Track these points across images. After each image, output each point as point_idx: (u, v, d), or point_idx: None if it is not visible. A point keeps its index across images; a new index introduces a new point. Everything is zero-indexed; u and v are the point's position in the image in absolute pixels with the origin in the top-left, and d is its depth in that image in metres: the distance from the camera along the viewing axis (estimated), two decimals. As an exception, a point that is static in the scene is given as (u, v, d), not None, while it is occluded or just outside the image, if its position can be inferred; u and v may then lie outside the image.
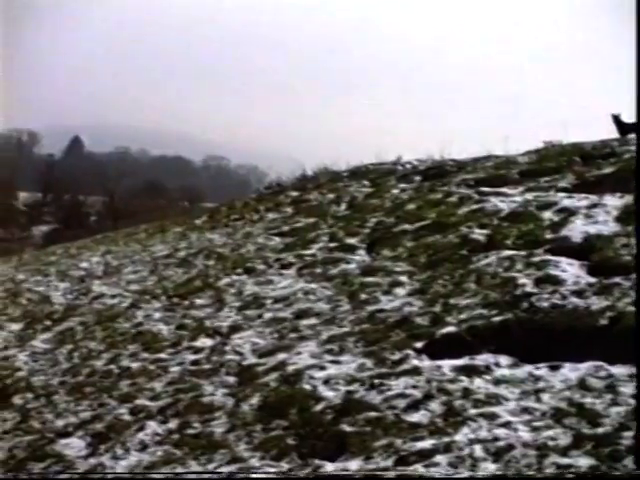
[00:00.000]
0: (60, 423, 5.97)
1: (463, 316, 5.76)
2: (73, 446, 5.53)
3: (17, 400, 6.65)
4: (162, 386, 6.18)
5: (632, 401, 4.03)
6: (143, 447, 5.24)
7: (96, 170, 75.12)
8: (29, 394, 6.73)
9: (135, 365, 6.82)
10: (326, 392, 5.11)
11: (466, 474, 3.76)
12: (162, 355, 6.91)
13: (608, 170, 8.91)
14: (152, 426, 5.50)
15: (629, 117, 12.09)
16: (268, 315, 7.11)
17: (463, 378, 4.81)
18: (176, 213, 29.18)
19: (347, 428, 4.59)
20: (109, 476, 5.01)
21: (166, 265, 10.79)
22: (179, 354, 6.82)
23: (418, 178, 12.05)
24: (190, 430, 5.29)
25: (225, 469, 4.63)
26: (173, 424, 5.45)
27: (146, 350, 7.17)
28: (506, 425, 4.14)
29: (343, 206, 11.29)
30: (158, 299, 8.92)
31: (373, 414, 4.66)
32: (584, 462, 3.65)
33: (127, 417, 5.76)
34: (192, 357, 6.65)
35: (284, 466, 4.50)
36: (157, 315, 8.25)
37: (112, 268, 11.81)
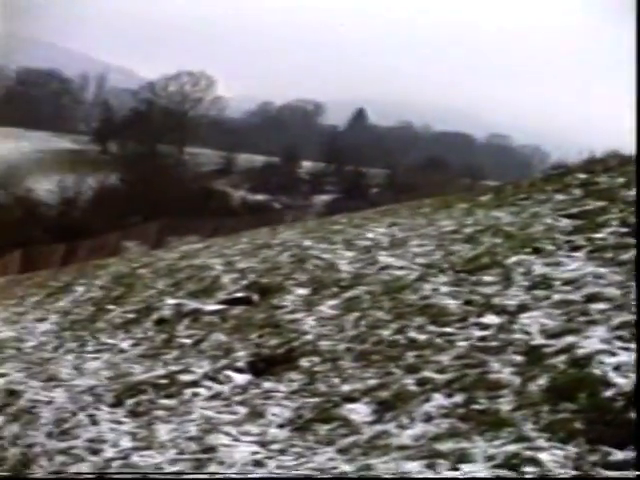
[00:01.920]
0: (346, 388, 7.89)
1: None
2: (359, 411, 7.35)
3: (304, 363, 8.82)
4: (448, 360, 7.73)
5: None
6: (428, 418, 6.81)
7: (378, 143, 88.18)
8: (315, 358, 8.86)
9: (422, 337, 8.51)
10: (617, 379, 6.17)
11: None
12: (449, 329, 8.55)
13: None
14: (438, 398, 7.07)
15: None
16: (557, 297, 8.52)
17: None
18: (457, 189, 32.25)
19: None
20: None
21: (452, 240, 12.78)
22: (466, 329, 8.43)
23: None
24: (476, 405, 6.73)
25: (510, 447, 5.89)
26: (459, 398, 6.93)
27: (433, 323, 8.88)
28: None
29: (634, 190, 12.20)
30: (445, 273, 10.79)
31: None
32: None
33: (413, 387, 7.42)
34: (479, 333, 8.19)
35: (571, 450, 5.61)
36: (444, 289, 10.05)
37: (398, 240, 14.10)
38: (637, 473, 4.58)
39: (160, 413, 8.28)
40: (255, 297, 12.60)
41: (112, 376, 10.01)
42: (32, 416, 8.92)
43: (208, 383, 8.94)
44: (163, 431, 7.76)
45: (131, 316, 13.26)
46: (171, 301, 13.51)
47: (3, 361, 11.85)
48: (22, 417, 8.94)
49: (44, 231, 48.47)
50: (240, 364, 9.36)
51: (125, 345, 11.59)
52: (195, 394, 8.67)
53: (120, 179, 75.97)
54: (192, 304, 13.01)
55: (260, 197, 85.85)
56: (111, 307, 14.27)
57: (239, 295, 12.88)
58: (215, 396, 8.54)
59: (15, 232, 44.87)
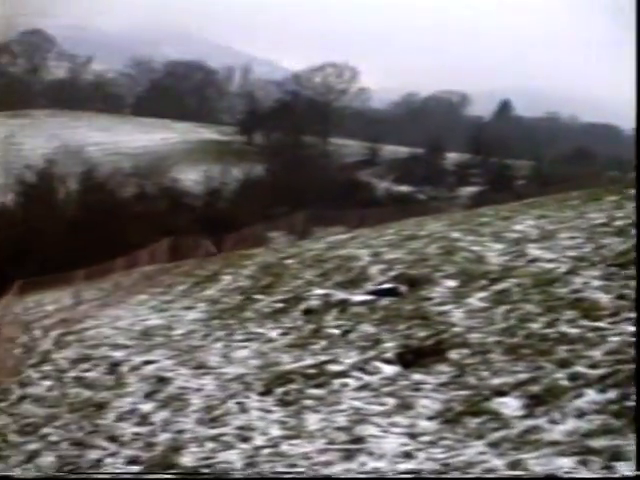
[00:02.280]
0: (496, 381, 8.00)
1: None
2: (509, 405, 7.46)
3: (453, 355, 8.98)
4: (601, 355, 7.70)
5: None
6: (581, 414, 6.82)
7: (524, 135, 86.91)
8: (465, 350, 9.00)
9: (573, 331, 8.51)
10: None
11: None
12: (601, 324, 8.58)
13: None
14: (590, 394, 7.03)
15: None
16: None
17: None
18: (605, 182, 31.33)
19: None
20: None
21: (603, 233, 12.85)
22: (618, 324, 8.41)
23: None
24: (630, 402, 6.71)
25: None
26: (612, 394, 6.90)
27: (584, 317, 8.94)
28: None
29: None
30: (596, 267, 10.84)
31: None
32: None
33: (564, 382, 7.44)
34: (632, 328, 8.12)
35: None
36: (595, 283, 10.12)
37: (547, 232, 14.21)
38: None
39: (309, 402, 8.68)
40: (403, 288, 12.85)
41: (261, 365, 10.52)
42: (182, 403, 9.50)
43: (357, 374, 9.26)
44: (312, 421, 8.14)
45: (279, 306, 13.82)
46: (319, 291, 14.01)
47: (152, 348, 12.63)
48: (172, 403, 9.55)
49: (191, 221, 50.52)
50: (389, 355, 9.63)
51: (274, 334, 12.12)
52: (344, 384, 9.00)
53: (265, 170, 78.04)
54: (340, 294, 13.45)
55: (404, 188, 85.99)
56: (259, 296, 14.89)
57: (387, 286, 13.18)
58: (364, 387, 8.84)
59: (162, 222, 47.13)
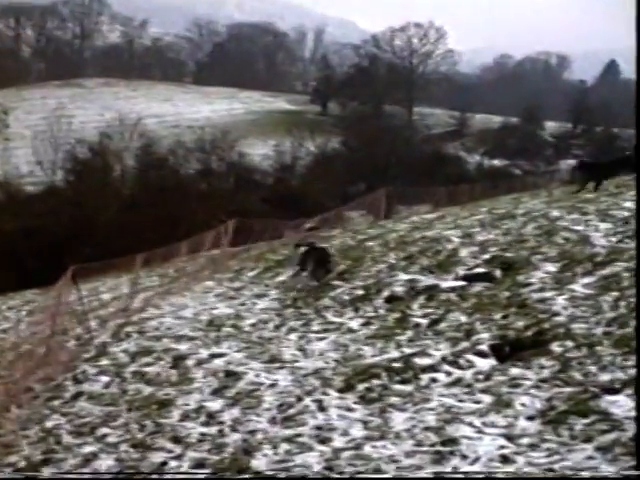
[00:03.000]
0: (605, 377, 7.88)
1: None
2: (621, 404, 7.31)
3: (555, 347, 8.87)
4: None
5: None
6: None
7: (633, 99, 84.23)
8: (569, 342, 8.89)
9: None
10: None
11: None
12: None
13: None
14: None
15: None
16: None
17: None
18: None
19: None
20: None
21: None
22: None
23: None
24: None
25: None
26: None
27: None
28: None
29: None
30: None
31: None
32: None
33: (684, 378, 7.22)
34: None
35: None
36: None
37: None
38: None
39: (394, 400, 8.66)
40: (498, 273, 12.73)
41: (340, 358, 10.54)
42: (254, 400, 9.51)
43: (447, 368, 9.23)
44: (398, 420, 8.12)
45: (360, 293, 13.83)
46: (404, 277, 13.97)
47: (221, 340, 12.73)
48: (243, 400, 9.56)
49: (260, 200, 50.95)
50: (483, 347, 9.56)
51: (354, 324, 12.13)
52: (433, 380, 8.98)
53: (342, 143, 78.12)
54: (427, 280, 13.41)
55: (497, 162, 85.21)
56: (337, 283, 14.91)
57: (480, 271, 13.08)
58: (455, 382, 8.80)
59: (229, 201, 47.64)
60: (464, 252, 14.60)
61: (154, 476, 7.80)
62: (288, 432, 8.34)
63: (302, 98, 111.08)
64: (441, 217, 19.97)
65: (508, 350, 9.37)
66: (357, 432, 8.03)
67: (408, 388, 8.90)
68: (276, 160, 72.48)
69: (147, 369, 11.52)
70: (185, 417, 9.30)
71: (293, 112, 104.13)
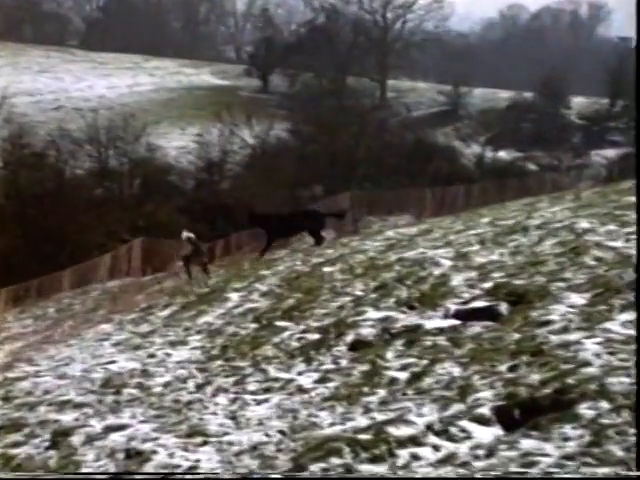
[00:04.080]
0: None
1: None
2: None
3: (585, 410, 8.86)
4: None
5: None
6: None
7: None
8: (603, 403, 8.86)
9: None
10: None
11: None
12: None
13: None
14: None
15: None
16: None
17: None
18: None
19: None
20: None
21: None
22: None
23: None
24: None
25: None
26: None
27: None
28: None
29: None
30: None
31: None
32: None
33: None
34: None
35: None
36: None
37: None
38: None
39: (363, 488, 8.65)
40: (504, 308, 12.78)
41: (287, 429, 10.52)
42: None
43: (434, 440, 9.22)
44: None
45: (314, 337, 13.85)
46: (374, 314, 14.01)
47: (121, 406, 12.71)
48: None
49: (177, 211, 50.84)
50: (483, 411, 9.56)
51: (306, 381, 12.11)
52: (414, 456, 8.97)
53: (290, 131, 78.24)
54: (406, 319, 13.44)
55: (505, 154, 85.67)
56: (283, 324, 14.94)
57: (479, 305, 13.12)
58: (445, 460, 8.79)
59: (134, 214, 47.45)
60: (457, 279, 14.67)
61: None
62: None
63: (234, 69, 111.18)
64: (426, 231, 20.05)
65: (518, 414, 9.38)
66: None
67: (380, 469, 8.89)
68: (199, 155, 72.31)
69: (14, 451, 11.42)
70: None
71: (222, 88, 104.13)
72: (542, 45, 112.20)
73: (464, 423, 9.42)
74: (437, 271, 15.37)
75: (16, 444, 11.61)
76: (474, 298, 13.52)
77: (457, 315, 12.98)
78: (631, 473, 6.12)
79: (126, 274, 24.30)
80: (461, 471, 8.51)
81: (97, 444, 11.04)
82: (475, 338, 11.93)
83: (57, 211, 45.83)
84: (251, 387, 12.44)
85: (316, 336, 13.84)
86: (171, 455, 10.29)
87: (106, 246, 27.60)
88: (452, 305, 13.52)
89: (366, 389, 11.20)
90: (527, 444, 8.70)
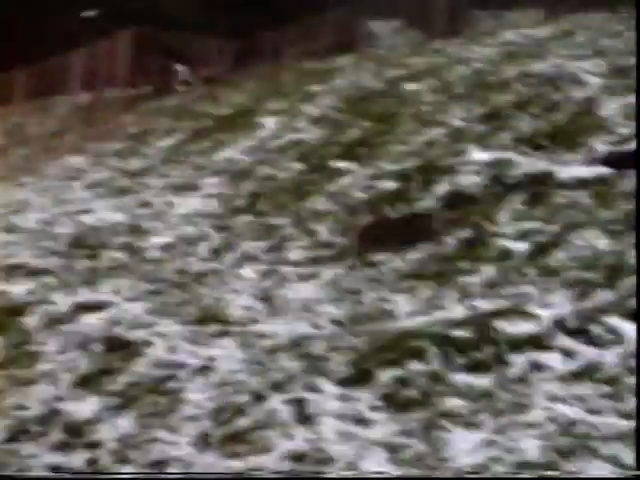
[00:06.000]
0: None
1: None
2: None
3: None
4: None
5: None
6: None
7: None
8: None
9: None
10: None
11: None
12: None
13: None
14: None
15: None
16: None
17: None
18: None
19: None
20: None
21: None
22: None
23: None
24: None
25: None
26: None
27: None
28: None
29: None
30: None
31: None
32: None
33: None
34: None
35: None
36: None
37: None
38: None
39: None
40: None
41: (346, 319, 10.67)
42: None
43: (566, 343, 9.22)
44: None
45: (389, 186, 13.97)
46: (480, 155, 14.03)
47: (99, 277, 12.80)
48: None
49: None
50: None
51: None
52: (536, 366, 8.94)
53: None
54: (530, 163, 13.46)
55: None
56: (342, 165, 15.04)
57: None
58: (583, 373, 8.79)
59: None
60: (610, 107, 14.63)
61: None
62: None
63: None
64: (565, 33, 19.93)
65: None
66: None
67: (482, 381, 8.79)
68: None
69: None
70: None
71: None
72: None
73: (611, 319, 9.49)
74: (580, 93, 15.32)
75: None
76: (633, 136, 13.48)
77: (607, 160, 12.99)
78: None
79: (108, 83, 24.34)
80: (606, 389, 8.61)
81: (62, 328, 11.18)
82: (632, 194, 11.97)
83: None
84: (293, 255, 12.65)
85: (392, 185, 13.92)
86: (172, 349, 10.39)
87: (79, 38, 27.50)
88: (601, 145, 13.53)
89: (465, 265, 11.35)
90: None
